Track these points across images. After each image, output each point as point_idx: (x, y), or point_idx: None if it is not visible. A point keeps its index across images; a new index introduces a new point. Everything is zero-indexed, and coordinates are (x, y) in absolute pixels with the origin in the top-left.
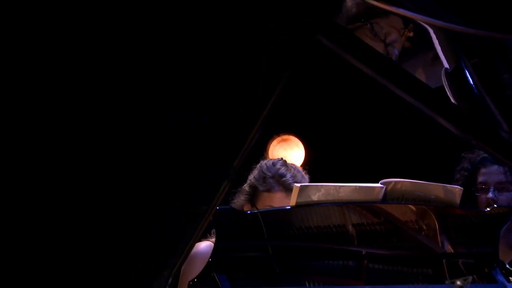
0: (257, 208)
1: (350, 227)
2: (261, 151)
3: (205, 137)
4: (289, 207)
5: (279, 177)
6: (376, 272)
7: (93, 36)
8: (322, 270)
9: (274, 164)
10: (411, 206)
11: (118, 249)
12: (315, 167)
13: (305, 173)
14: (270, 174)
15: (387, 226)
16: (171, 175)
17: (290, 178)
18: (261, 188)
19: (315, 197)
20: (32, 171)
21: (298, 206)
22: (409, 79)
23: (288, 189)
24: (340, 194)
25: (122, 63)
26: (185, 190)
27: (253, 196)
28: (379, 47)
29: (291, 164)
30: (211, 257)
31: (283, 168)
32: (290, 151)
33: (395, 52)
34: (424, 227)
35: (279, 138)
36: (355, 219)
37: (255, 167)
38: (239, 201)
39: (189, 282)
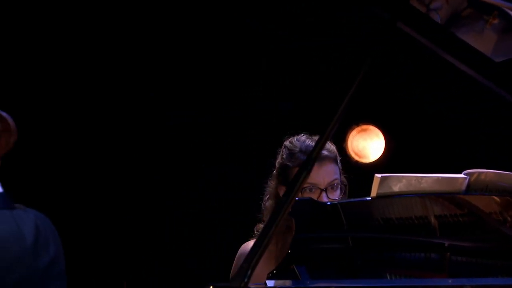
0: None
1: (433, 219)
2: (340, 142)
3: (283, 127)
4: (369, 198)
5: (306, 149)
6: (459, 264)
7: (94, 37)
8: (403, 262)
9: (298, 139)
10: (495, 197)
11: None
12: (396, 157)
13: (331, 143)
14: (297, 149)
15: (471, 217)
16: (249, 166)
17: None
18: (291, 164)
19: (396, 188)
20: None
21: (378, 197)
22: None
23: (319, 158)
24: (422, 185)
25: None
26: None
27: (285, 176)
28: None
29: (314, 136)
30: (290, 248)
31: (308, 140)
32: (369, 141)
33: (437, 18)
34: (509, 218)
35: (358, 128)
36: (438, 210)
37: (278, 152)
38: (272, 187)
39: (268, 274)
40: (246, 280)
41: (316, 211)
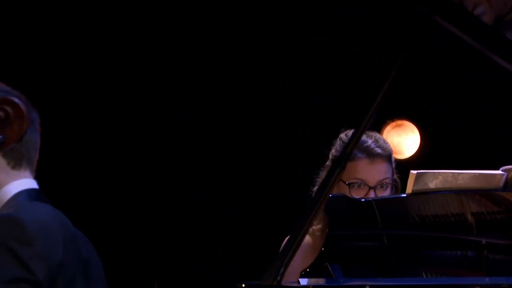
0: (343, 182)
1: (469, 216)
2: None
3: (317, 123)
4: (404, 195)
5: (360, 144)
6: (496, 263)
7: (93, 37)
8: (439, 260)
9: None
10: None
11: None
12: (431, 153)
13: (386, 141)
14: None
15: (508, 214)
16: (282, 163)
17: (372, 143)
18: None
19: (432, 184)
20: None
21: (414, 194)
22: None
23: (371, 155)
24: (458, 182)
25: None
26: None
27: None
28: None
29: (373, 132)
30: (323, 246)
31: (363, 135)
32: (404, 137)
33: None
34: None
35: (393, 124)
36: (474, 207)
37: (334, 143)
38: (322, 178)
39: (301, 272)
40: (278, 278)
41: (350, 208)
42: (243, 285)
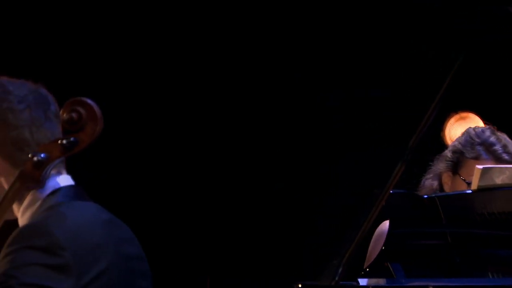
0: (460, 176)
1: None
2: (437, 130)
3: (379, 116)
4: (470, 191)
5: (488, 146)
6: None
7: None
8: (507, 260)
9: (483, 131)
10: None
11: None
12: None
13: None
14: (479, 141)
15: None
16: (340, 157)
17: (500, 148)
18: (467, 155)
19: (498, 180)
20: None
21: (480, 190)
22: None
23: (497, 159)
24: None
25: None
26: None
27: (457, 163)
28: None
29: (501, 133)
30: (384, 245)
31: (493, 136)
32: None
33: None
34: None
35: (457, 116)
36: None
37: (463, 133)
38: (438, 168)
39: (361, 271)
40: (337, 278)
41: (412, 205)
42: (300, 285)
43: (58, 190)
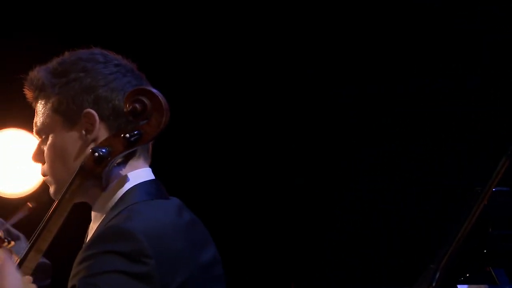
0: None
1: None
2: None
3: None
4: None
5: None
6: None
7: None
8: None
9: None
10: None
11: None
12: None
13: None
14: None
15: None
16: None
17: None
18: None
19: None
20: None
21: None
22: None
23: None
24: None
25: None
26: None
27: None
28: None
29: None
30: (485, 247)
31: None
32: None
33: None
34: None
35: None
36: None
37: None
38: (501, 165)
39: (460, 278)
40: (434, 284)
41: None
42: None
43: (137, 186)
